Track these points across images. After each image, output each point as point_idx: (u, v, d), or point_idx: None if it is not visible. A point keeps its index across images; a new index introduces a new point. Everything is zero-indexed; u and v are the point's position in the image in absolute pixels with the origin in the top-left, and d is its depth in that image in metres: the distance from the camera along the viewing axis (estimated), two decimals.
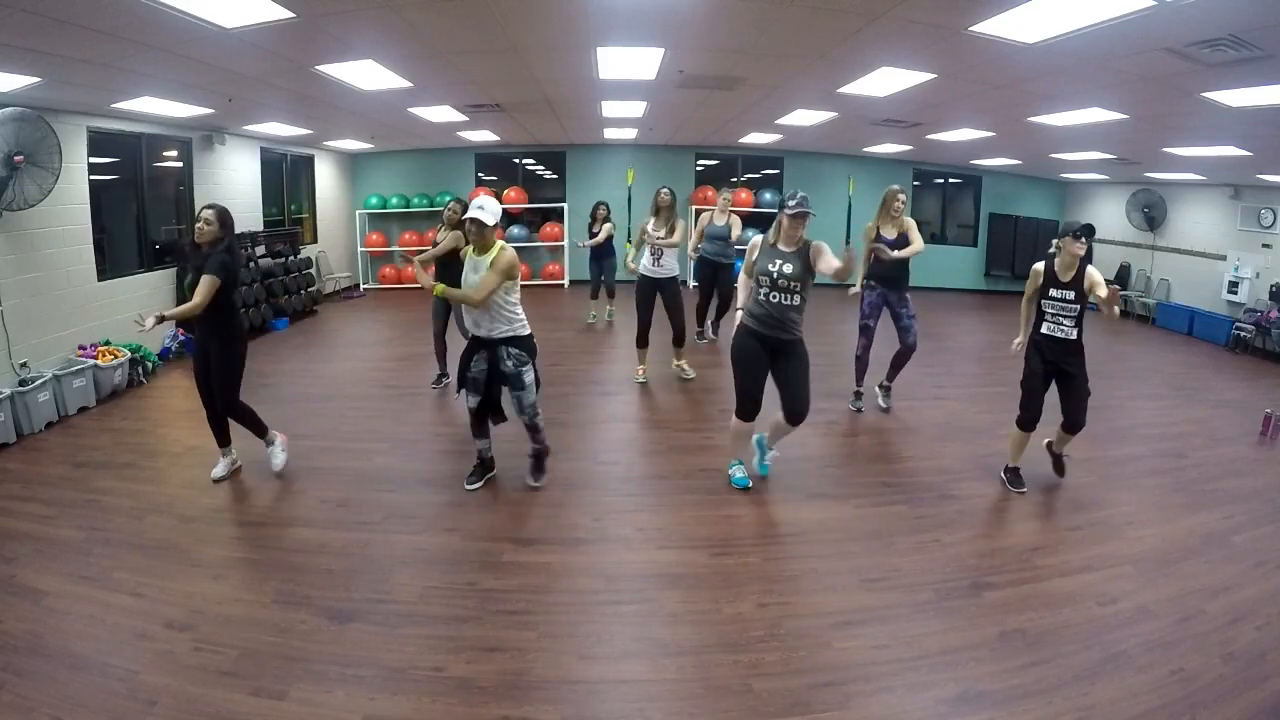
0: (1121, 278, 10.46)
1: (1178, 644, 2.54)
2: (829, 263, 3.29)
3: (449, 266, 4.90)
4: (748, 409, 3.56)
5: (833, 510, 3.58)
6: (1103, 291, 3.41)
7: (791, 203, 3.33)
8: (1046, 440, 3.94)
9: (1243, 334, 8.14)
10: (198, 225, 3.48)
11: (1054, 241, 3.61)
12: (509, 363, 3.40)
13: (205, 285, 3.38)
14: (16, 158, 4.52)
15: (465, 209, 4.97)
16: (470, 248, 3.43)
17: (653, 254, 5.37)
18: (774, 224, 3.49)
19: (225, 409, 3.69)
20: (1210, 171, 7.94)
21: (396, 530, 3.30)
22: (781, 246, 3.40)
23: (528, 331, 3.47)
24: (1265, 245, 8.34)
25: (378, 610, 2.66)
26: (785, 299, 3.37)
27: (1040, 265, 3.64)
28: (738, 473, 3.81)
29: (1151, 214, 9.86)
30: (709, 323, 7.10)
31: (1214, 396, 6.09)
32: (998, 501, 3.73)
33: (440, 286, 3.43)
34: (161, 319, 3.33)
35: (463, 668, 2.34)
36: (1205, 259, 9.17)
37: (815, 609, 2.72)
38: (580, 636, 2.55)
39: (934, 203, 12.27)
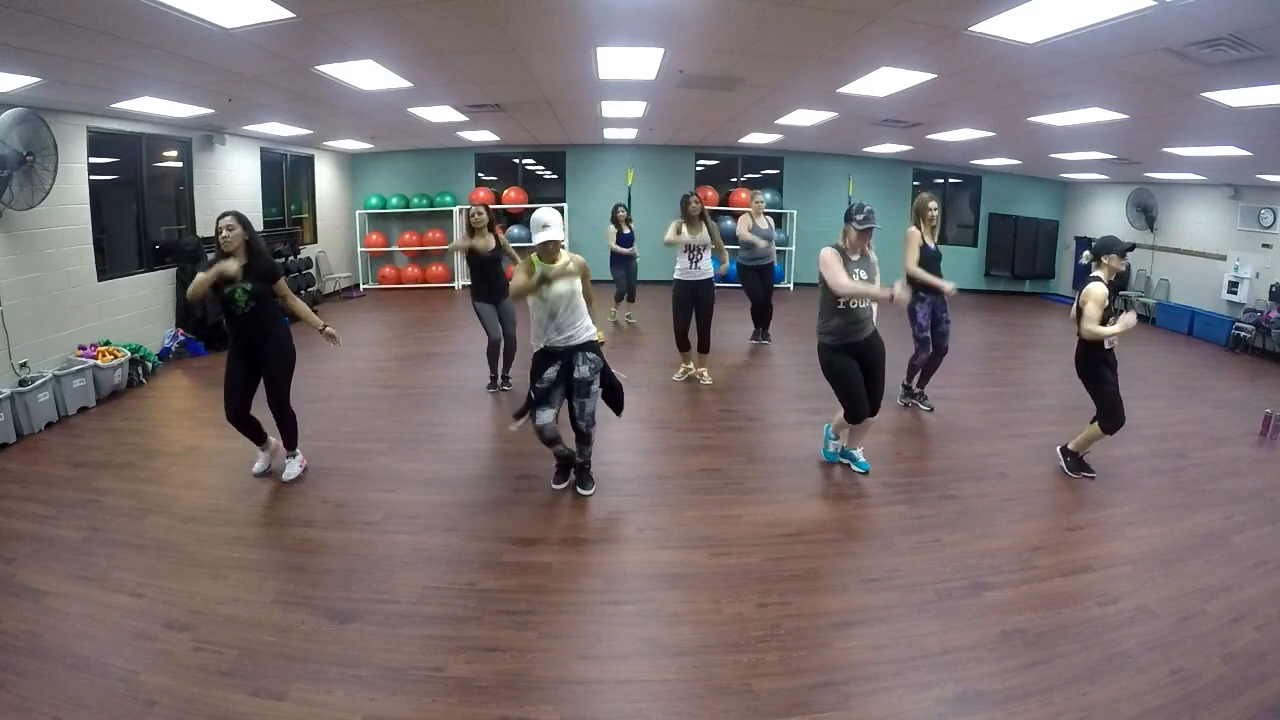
0: (1121, 278, 10.40)
1: (1178, 644, 2.54)
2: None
3: (486, 274, 5.14)
4: (861, 410, 3.71)
5: (833, 510, 3.59)
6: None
7: (859, 217, 3.53)
8: (1066, 449, 4.11)
9: (1243, 334, 8.14)
10: (222, 236, 3.43)
11: (1087, 255, 3.89)
12: (584, 368, 3.41)
13: (286, 283, 3.68)
14: (28, 158, 4.56)
15: (489, 213, 5.08)
16: (538, 261, 3.33)
17: (690, 257, 5.34)
18: (841, 235, 3.64)
19: (279, 408, 3.71)
20: (1210, 171, 7.93)
21: (396, 530, 3.29)
22: (854, 256, 3.60)
23: (595, 335, 3.56)
24: (1265, 245, 8.34)
25: (378, 610, 2.66)
26: (864, 302, 3.59)
27: (1104, 289, 3.73)
28: (832, 447, 4.11)
29: (1148, 213, 9.86)
30: (760, 328, 7.18)
31: (1214, 396, 6.09)
32: (998, 501, 3.73)
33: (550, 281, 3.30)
34: (330, 333, 3.78)
35: (463, 668, 2.34)
36: (1205, 259, 9.17)
37: (815, 609, 2.72)
38: (580, 636, 2.55)
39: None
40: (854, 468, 4.00)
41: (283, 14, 3.35)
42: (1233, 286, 8.64)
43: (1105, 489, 3.94)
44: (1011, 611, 2.71)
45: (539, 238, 3.25)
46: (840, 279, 3.46)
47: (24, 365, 4.84)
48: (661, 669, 2.36)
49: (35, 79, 4.25)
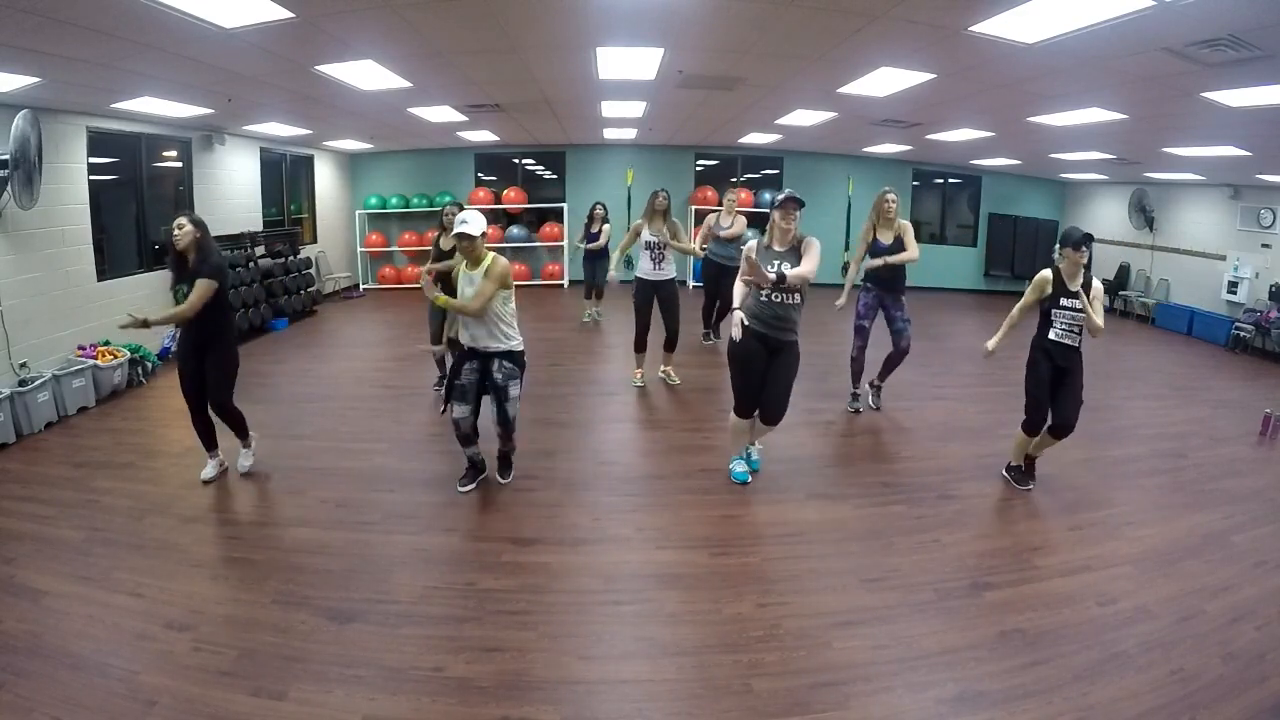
0: (1121, 278, 10.47)
1: (1178, 644, 2.54)
2: (807, 264, 3.32)
3: (448, 276, 5.00)
4: (747, 406, 3.60)
5: (833, 510, 3.58)
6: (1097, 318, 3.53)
7: (779, 197, 3.41)
8: (1008, 466, 3.99)
9: (1242, 334, 8.14)
10: (175, 236, 3.46)
11: (1057, 249, 3.67)
12: (498, 375, 3.43)
13: (201, 288, 3.43)
14: (35, 158, 4.60)
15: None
16: (463, 263, 3.45)
17: (652, 257, 5.31)
18: (767, 226, 3.54)
19: (219, 409, 3.69)
20: (1210, 171, 7.94)
21: (396, 530, 3.29)
22: (776, 247, 3.46)
23: (521, 348, 3.53)
24: (1265, 245, 8.34)
25: (378, 610, 2.66)
26: (787, 298, 3.40)
27: (1048, 273, 3.64)
28: (738, 468, 3.85)
29: (1147, 212, 9.86)
30: (713, 324, 7.11)
31: (1214, 396, 6.09)
32: (998, 501, 3.73)
33: (442, 297, 3.42)
34: (147, 323, 3.33)
35: (462, 668, 2.34)
36: (1205, 259, 9.18)
37: (815, 609, 2.72)
38: (580, 636, 2.55)
39: (933, 203, 12.27)
40: (747, 465, 3.89)
41: (283, 14, 3.35)
42: (1232, 286, 8.64)
43: (1105, 489, 3.94)
44: (1011, 611, 2.71)
45: (455, 230, 3.33)
46: (737, 280, 3.52)
47: (24, 365, 4.83)
48: (661, 669, 2.36)
49: (35, 79, 4.25)
